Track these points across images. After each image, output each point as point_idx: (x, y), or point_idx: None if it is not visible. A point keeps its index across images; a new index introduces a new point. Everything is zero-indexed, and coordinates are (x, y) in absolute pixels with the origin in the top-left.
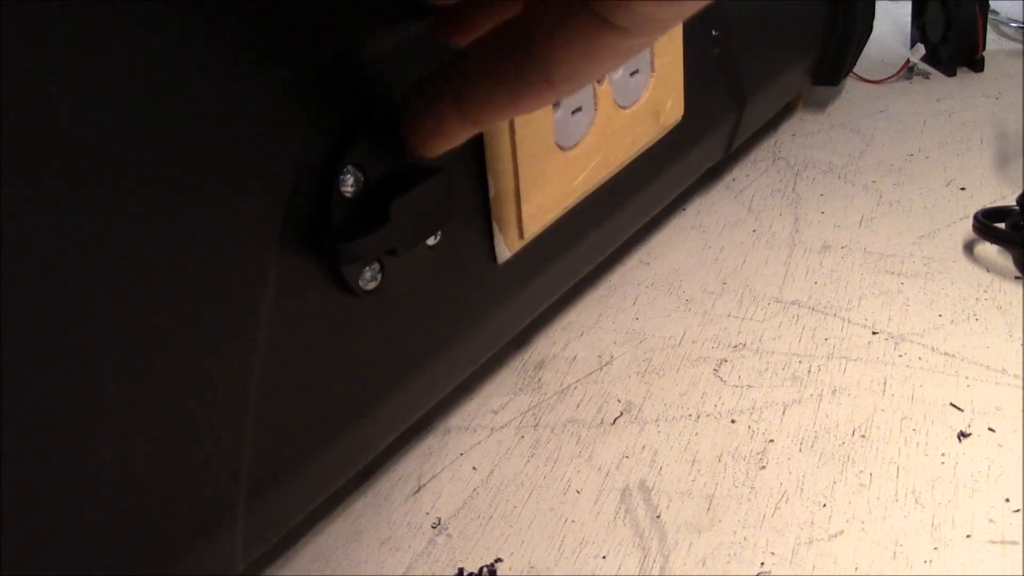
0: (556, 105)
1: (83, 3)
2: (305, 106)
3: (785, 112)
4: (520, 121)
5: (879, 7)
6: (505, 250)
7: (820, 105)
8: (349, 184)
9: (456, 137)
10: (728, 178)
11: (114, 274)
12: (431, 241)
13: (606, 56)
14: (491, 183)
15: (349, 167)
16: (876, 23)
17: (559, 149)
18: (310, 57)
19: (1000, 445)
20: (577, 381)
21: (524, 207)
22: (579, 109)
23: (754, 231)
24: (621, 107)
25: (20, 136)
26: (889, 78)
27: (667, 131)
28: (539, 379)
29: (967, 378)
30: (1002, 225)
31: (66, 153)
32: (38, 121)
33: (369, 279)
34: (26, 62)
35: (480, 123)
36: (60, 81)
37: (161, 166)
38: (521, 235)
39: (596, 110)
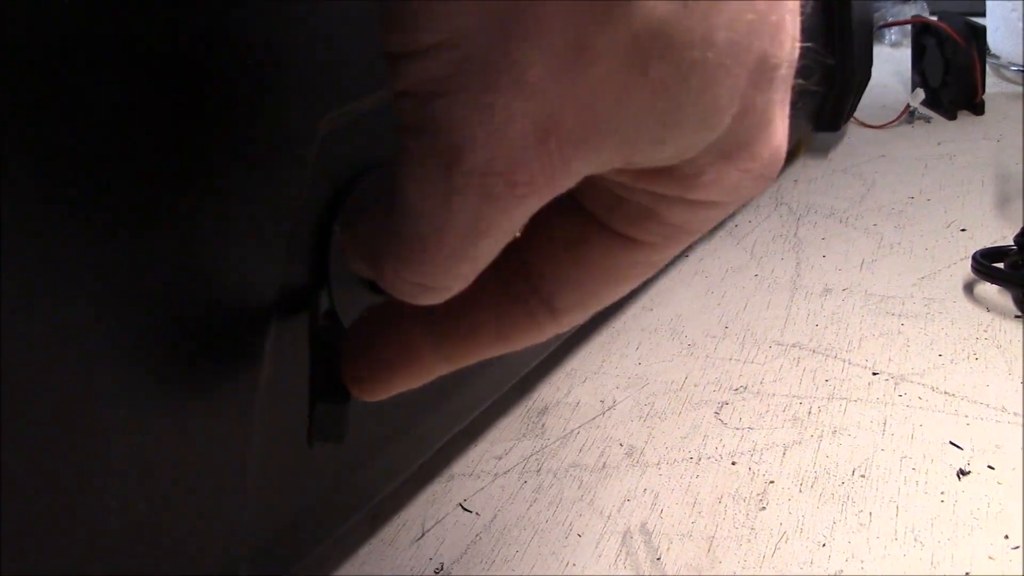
0: None
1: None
2: (304, 160)
3: (787, 158)
4: None
5: (879, 53)
6: None
7: (822, 151)
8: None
9: (423, 378)
10: (731, 224)
11: (115, 332)
12: None
13: (625, 277)
14: None
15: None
16: (876, 69)
17: None
18: (311, 113)
19: (999, 483)
20: (580, 426)
21: None
22: None
23: (756, 275)
24: None
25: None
26: (890, 123)
27: None
28: (542, 425)
29: (967, 417)
30: (1001, 265)
31: (68, 203)
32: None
33: None
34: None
35: (459, 361)
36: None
37: (161, 218)
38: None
39: None
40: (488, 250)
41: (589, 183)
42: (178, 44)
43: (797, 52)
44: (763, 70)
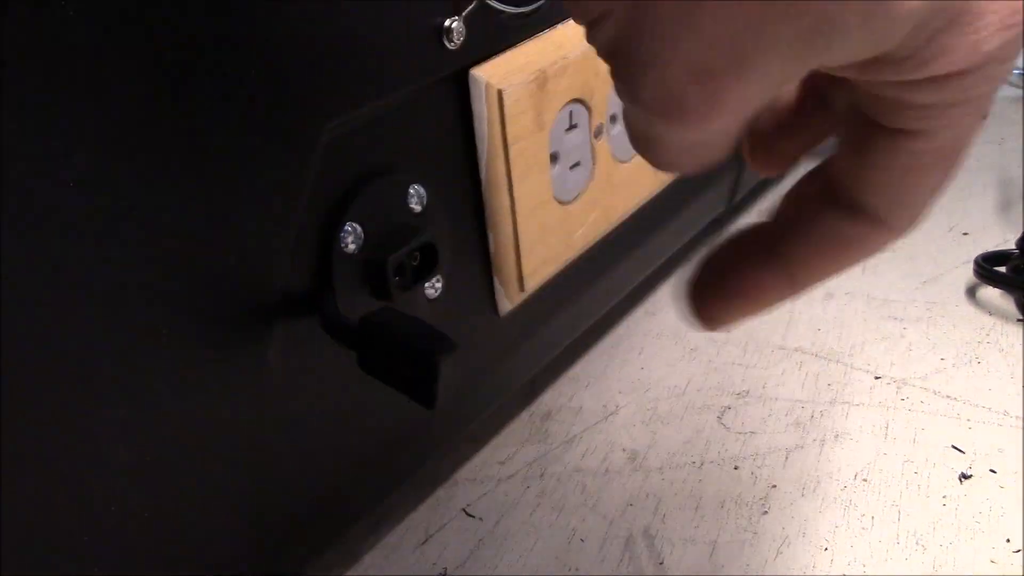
0: (554, 160)
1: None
2: (307, 167)
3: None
4: (518, 176)
5: None
6: (506, 303)
7: (822, 155)
8: (350, 241)
9: (771, 305)
10: (734, 229)
11: (123, 334)
12: (432, 294)
13: (925, 168)
14: (491, 238)
15: (350, 224)
16: None
17: (558, 204)
18: (312, 122)
19: (1002, 486)
20: (583, 431)
21: (524, 261)
22: (577, 164)
23: None
24: (620, 161)
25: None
26: None
27: (667, 185)
28: (546, 430)
29: (969, 420)
30: (1003, 269)
31: (70, 217)
32: (48, 187)
33: None
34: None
35: (805, 284)
36: (70, 146)
37: (165, 226)
38: (522, 288)
39: (594, 164)
40: (700, 139)
41: (846, 89)
42: (184, 48)
43: None
44: None
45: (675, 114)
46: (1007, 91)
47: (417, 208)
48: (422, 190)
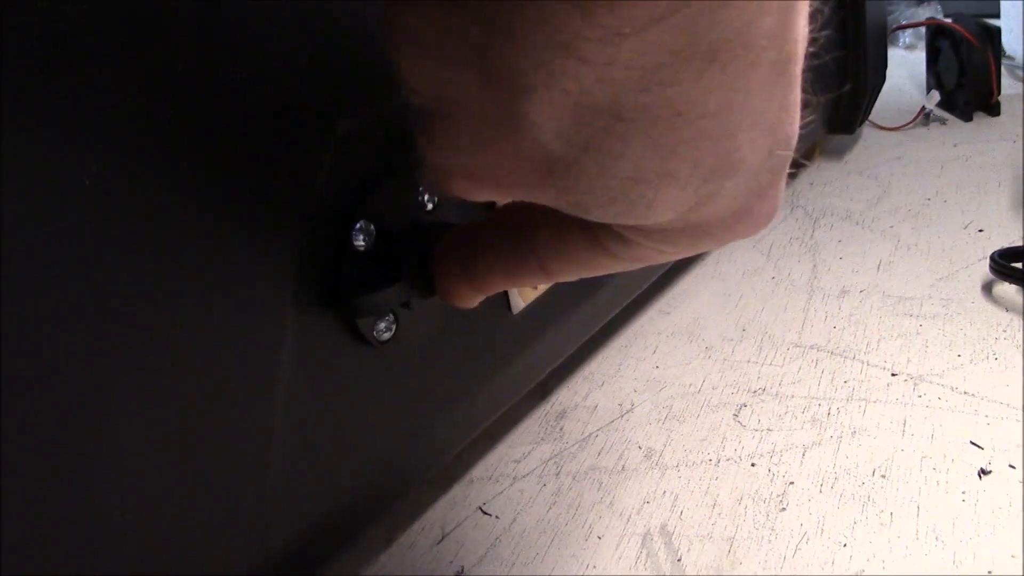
0: None
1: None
2: (320, 165)
3: (803, 162)
4: None
5: (893, 55)
6: (519, 301)
7: (837, 153)
8: (361, 239)
9: (468, 300)
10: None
11: (135, 333)
12: None
13: (603, 268)
14: None
15: (361, 222)
16: (892, 71)
17: None
18: (324, 117)
19: (1021, 482)
20: (598, 429)
21: None
22: None
23: (773, 278)
24: None
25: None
26: (905, 125)
27: None
28: (561, 428)
29: (987, 416)
30: (1019, 265)
31: (87, 211)
32: (63, 177)
33: (384, 330)
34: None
35: (486, 291)
36: (82, 142)
37: (177, 225)
38: (535, 286)
39: None
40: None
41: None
42: (197, 47)
43: None
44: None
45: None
46: (1018, 88)
47: (429, 205)
48: None
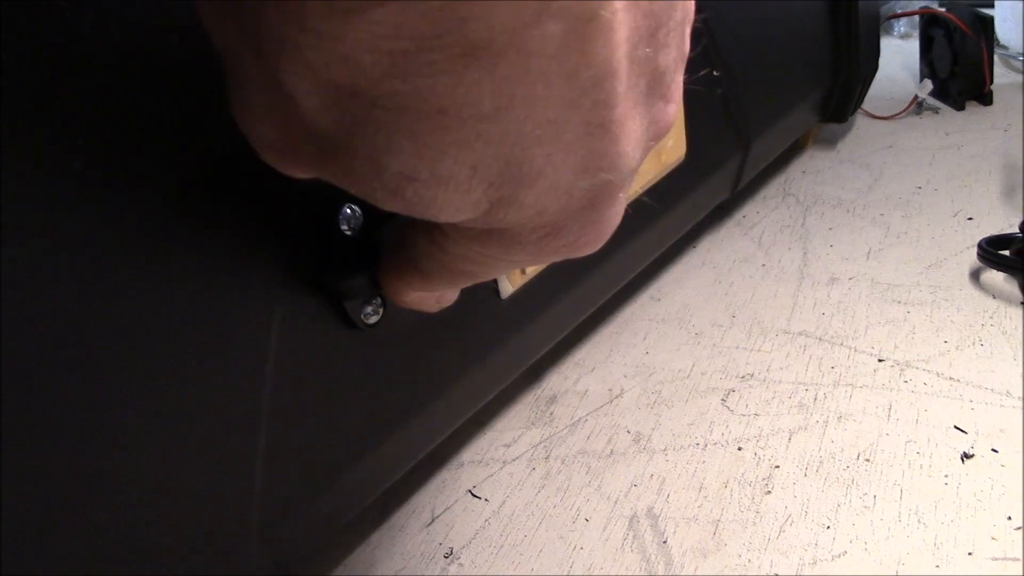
0: None
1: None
2: None
3: (795, 149)
4: None
5: (887, 44)
6: (508, 286)
7: (830, 142)
8: (347, 223)
9: (406, 296)
10: (738, 215)
11: (125, 316)
12: None
13: (452, 270)
14: None
15: (347, 206)
16: (885, 60)
17: None
18: None
19: (1003, 465)
20: (588, 414)
21: None
22: None
23: (763, 266)
24: None
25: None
26: (898, 114)
27: (669, 170)
28: (551, 413)
29: (971, 402)
30: (1007, 252)
31: (77, 200)
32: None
33: (371, 313)
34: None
35: (419, 288)
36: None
37: (166, 211)
38: (523, 271)
39: None
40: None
41: None
42: (190, 45)
43: None
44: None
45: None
46: (1011, 78)
47: None
48: None
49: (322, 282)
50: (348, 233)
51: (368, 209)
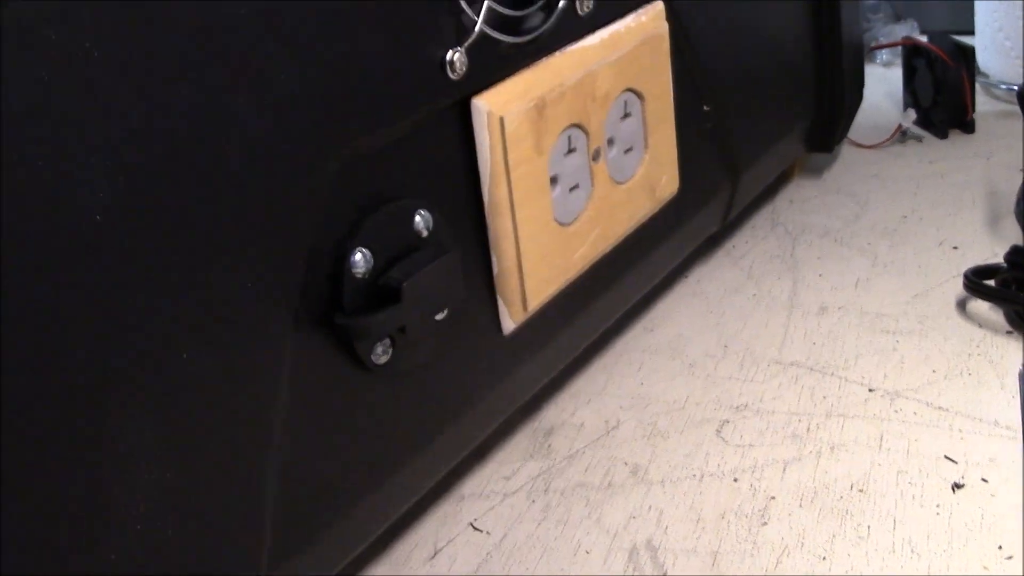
0: (554, 183)
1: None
2: (316, 194)
3: (782, 179)
4: (519, 200)
5: (871, 72)
6: (510, 322)
7: (816, 171)
8: (359, 265)
9: None
10: (728, 245)
11: (140, 353)
12: (439, 315)
13: None
14: (495, 260)
15: (359, 249)
16: (868, 88)
17: (558, 225)
18: (320, 150)
19: (993, 495)
20: (585, 446)
21: (527, 281)
22: (576, 186)
23: (754, 295)
24: (617, 183)
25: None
26: (883, 142)
27: (663, 204)
28: (549, 445)
29: (961, 431)
30: (991, 282)
31: (95, 239)
32: (77, 200)
33: (380, 353)
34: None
35: None
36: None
37: (181, 252)
38: (525, 308)
39: (593, 186)
40: None
41: None
42: (198, 83)
43: None
44: None
45: None
46: (994, 106)
47: (424, 232)
48: (428, 215)
49: (333, 323)
50: (359, 276)
51: (378, 252)
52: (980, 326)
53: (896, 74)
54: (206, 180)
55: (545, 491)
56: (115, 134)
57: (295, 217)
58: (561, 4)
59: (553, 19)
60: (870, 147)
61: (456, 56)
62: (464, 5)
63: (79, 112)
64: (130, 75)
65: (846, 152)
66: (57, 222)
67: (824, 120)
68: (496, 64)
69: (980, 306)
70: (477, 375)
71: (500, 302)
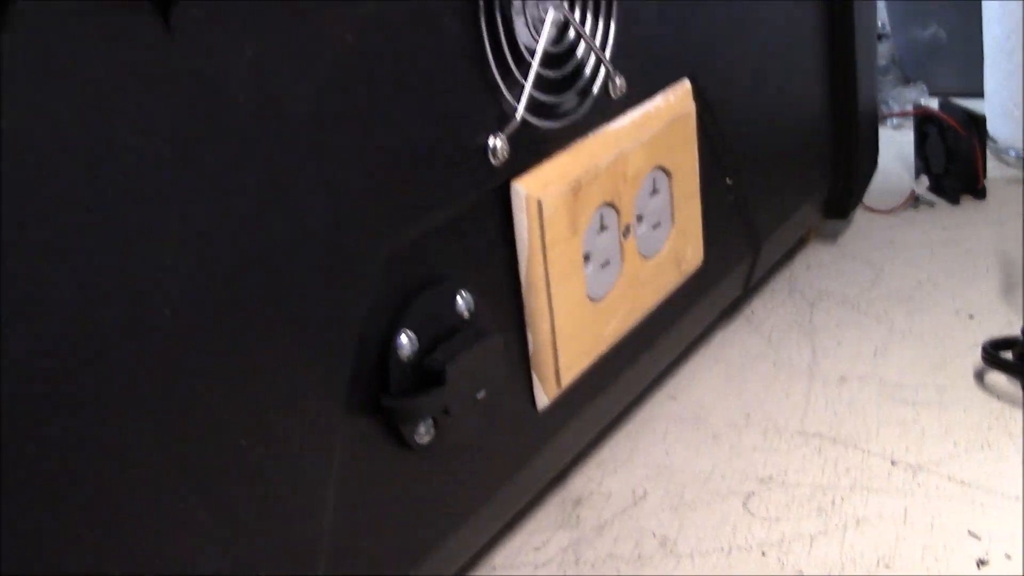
0: (587, 260)
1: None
2: (367, 280)
3: (799, 243)
4: (555, 278)
5: (882, 135)
6: (544, 398)
7: (831, 236)
8: (405, 348)
9: None
10: (748, 311)
11: (199, 440)
12: (480, 395)
13: None
14: (530, 337)
15: (404, 331)
16: (881, 151)
17: (590, 301)
18: (373, 237)
19: (1017, 572)
20: (614, 516)
21: (561, 357)
22: (607, 263)
23: (774, 363)
24: (645, 258)
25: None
26: (896, 208)
27: (688, 276)
28: (577, 515)
29: (983, 505)
30: (1009, 354)
31: (166, 334)
32: (153, 298)
33: (423, 433)
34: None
35: None
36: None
37: (245, 344)
38: (559, 383)
39: (623, 262)
40: None
41: None
42: (251, 184)
43: None
44: None
45: None
46: (1004, 171)
47: (465, 314)
48: (469, 296)
49: (379, 405)
50: (404, 358)
51: (422, 334)
52: (998, 398)
53: (906, 137)
54: (268, 275)
55: (576, 562)
56: (190, 234)
57: (348, 305)
58: (595, 89)
59: (588, 103)
60: (884, 212)
61: (498, 142)
62: (505, 92)
63: (162, 220)
64: (201, 174)
65: (860, 217)
66: (135, 316)
67: (840, 187)
68: (534, 148)
69: (998, 378)
70: (512, 451)
71: (535, 378)
